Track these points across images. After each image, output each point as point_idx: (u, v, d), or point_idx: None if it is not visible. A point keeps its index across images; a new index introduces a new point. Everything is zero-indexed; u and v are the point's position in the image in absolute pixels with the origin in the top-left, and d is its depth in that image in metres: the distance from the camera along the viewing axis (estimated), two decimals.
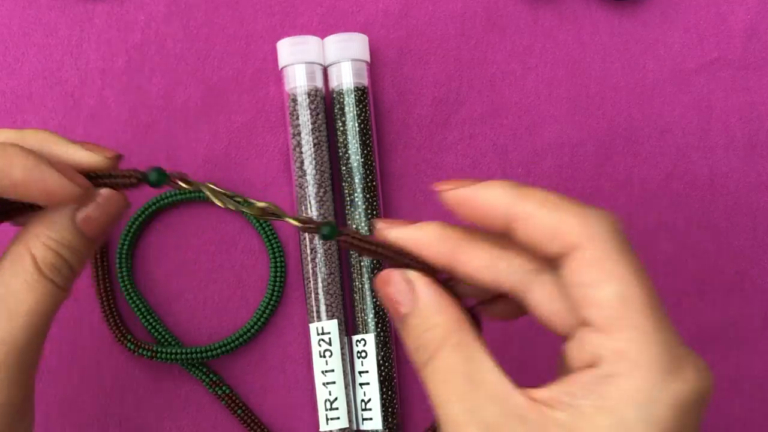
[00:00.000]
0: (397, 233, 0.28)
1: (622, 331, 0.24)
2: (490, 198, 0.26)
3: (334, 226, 0.29)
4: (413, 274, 0.28)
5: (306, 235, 0.42)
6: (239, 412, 0.42)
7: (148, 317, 0.43)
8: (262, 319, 0.43)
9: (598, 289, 0.24)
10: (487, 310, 0.30)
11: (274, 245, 0.43)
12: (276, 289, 0.43)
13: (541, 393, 0.25)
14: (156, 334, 0.43)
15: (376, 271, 0.42)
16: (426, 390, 0.27)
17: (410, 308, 0.27)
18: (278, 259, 0.43)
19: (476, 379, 0.26)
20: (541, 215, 0.25)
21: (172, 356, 0.42)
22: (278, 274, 0.43)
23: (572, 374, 0.25)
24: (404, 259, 0.28)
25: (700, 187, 0.46)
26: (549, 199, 0.26)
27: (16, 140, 0.27)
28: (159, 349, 0.42)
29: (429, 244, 0.28)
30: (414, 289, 0.28)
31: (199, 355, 0.42)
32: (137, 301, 0.43)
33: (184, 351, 0.42)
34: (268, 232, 0.43)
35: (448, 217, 0.45)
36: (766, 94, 0.46)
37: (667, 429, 0.24)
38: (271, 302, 0.43)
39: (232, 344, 0.42)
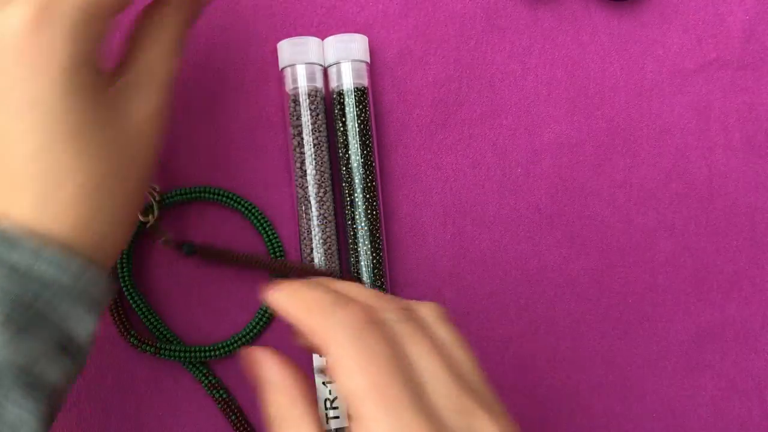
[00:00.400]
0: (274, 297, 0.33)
1: (362, 420, 0.28)
2: (279, 302, 0.32)
3: (191, 246, 0.42)
4: (265, 356, 0.33)
5: (305, 235, 0.42)
6: (233, 417, 0.42)
7: (150, 318, 0.43)
8: (263, 320, 0.43)
9: (341, 386, 0.29)
10: None
11: (275, 245, 0.43)
12: None
13: None
14: (158, 334, 0.43)
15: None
16: None
17: (263, 388, 0.33)
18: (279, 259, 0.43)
19: None
20: (303, 319, 0.31)
21: (175, 353, 0.42)
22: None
23: None
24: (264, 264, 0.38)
25: (698, 187, 0.46)
26: (306, 302, 0.31)
27: None
28: (162, 346, 0.42)
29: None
30: (263, 371, 0.33)
31: (202, 353, 0.42)
32: (138, 302, 0.43)
33: (187, 349, 0.42)
34: (269, 232, 0.43)
35: (447, 214, 0.46)
36: (765, 95, 0.46)
37: None
38: None
39: (235, 344, 0.42)
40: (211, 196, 0.43)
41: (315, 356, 0.42)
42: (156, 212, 0.42)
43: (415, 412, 0.28)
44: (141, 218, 0.42)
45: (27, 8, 0.28)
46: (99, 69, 0.31)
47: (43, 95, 0.29)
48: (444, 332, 0.33)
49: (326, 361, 0.30)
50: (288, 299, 0.32)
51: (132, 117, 0.32)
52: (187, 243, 0.42)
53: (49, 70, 0.29)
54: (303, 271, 0.42)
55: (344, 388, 0.29)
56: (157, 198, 0.42)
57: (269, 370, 0.33)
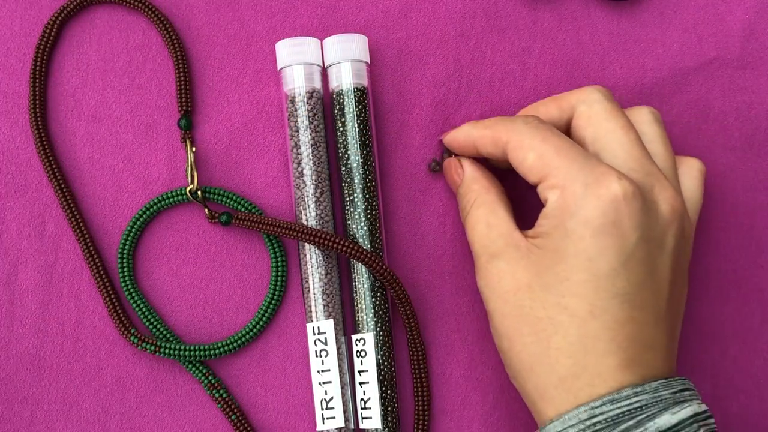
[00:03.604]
0: (448, 138, 0.43)
1: (548, 178, 0.37)
2: (459, 136, 0.42)
3: (229, 215, 0.43)
4: (463, 159, 0.42)
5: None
6: (233, 417, 0.42)
7: (150, 317, 0.43)
8: (264, 319, 0.43)
9: (523, 162, 0.38)
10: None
11: (275, 245, 0.43)
12: (277, 289, 0.43)
13: (530, 231, 0.38)
14: (157, 333, 0.43)
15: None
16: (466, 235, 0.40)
17: (460, 181, 0.42)
18: (279, 259, 0.43)
19: (492, 224, 0.39)
20: (485, 133, 0.40)
21: (176, 352, 0.42)
22: (280, 274, 0.43)
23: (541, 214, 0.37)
24: (294, 233, 0.41)
25: None
26: (486, 122, 0.41)
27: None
28: (162, 344, 0.42)
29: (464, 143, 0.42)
30: (462, 168, 0.42)
31: (202, 352, 0.42)
32: (138, 301, 0.43)
33: (187, 347, 0.42)
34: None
35: (447, 214, 0.46)
36: (764, 94, 0.46)
37: (599, 222, 0.35)
38: (273, 302, 0.43)
39: (235, 344, 0.43)
40: (211, 195, 0.43)
41: (312, 357, 0.42)
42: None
43: (598, 161, 0.36)
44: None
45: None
46: None
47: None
48: (650, 128, 0.40)
49: (510, 155, 0.38)
50: (469, 128, 0.41)
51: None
52: (224, 213, 0.43)
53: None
54: (342, 245, 0.41)
55: (527, 161, 0.37)
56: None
57: (466, 168, 0.42)
